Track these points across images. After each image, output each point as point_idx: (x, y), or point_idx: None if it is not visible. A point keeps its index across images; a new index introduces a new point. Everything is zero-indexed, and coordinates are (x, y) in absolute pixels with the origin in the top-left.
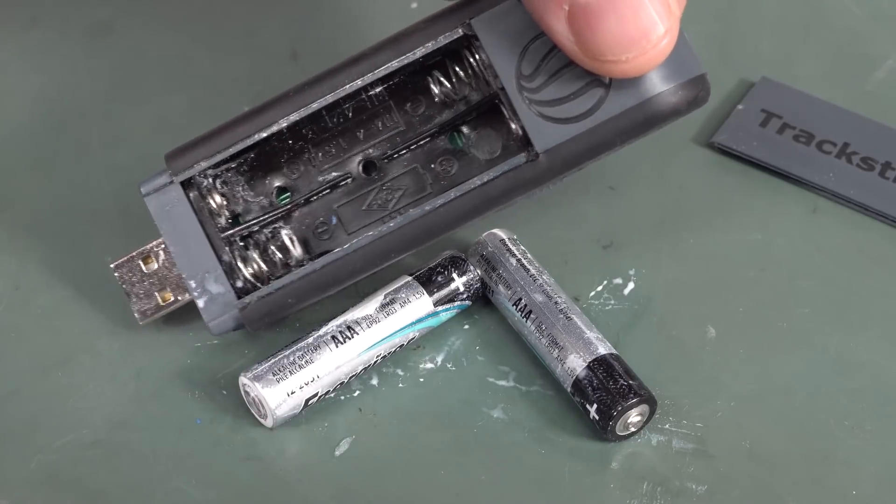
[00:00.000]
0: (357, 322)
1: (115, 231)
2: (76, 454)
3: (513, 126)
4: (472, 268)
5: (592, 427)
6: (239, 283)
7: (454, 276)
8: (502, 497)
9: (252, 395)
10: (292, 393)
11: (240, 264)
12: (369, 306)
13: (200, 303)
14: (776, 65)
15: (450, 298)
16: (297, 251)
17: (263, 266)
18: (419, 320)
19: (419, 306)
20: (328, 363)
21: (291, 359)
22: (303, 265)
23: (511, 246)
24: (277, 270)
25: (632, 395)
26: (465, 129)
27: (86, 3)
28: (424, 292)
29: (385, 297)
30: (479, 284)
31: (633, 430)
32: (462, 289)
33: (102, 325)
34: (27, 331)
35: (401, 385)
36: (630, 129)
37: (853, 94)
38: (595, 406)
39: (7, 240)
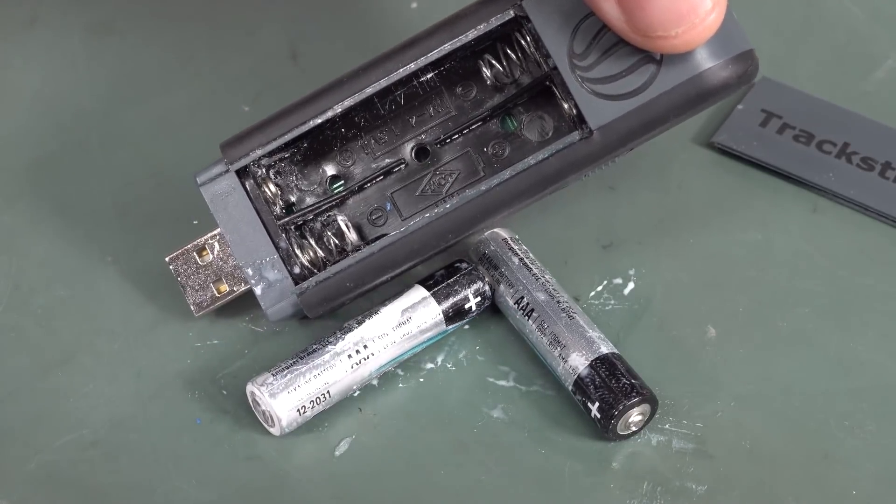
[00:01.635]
0: (373, 340)
1: (115, 231)
2: (76, 454)
3: (565, 106)
4: (485, 284)
5: (593, 427)
6: (296, 270)
7: (469, 294)
8: (502, 497)
9: (263, 407)
10: (304, 410)
11: (297, 251)
12: (385, 323)
13: (258, 290)
14: (776, 65)
15: (461, 316)
16: (352, 237)
17: (320, 252)
18: (431, 339)
19: (434, 326)
20: (342, 383)
21: (307, 377)
22: (358, 248)
23: (513, 245)
24: (333, 257)
25: (634, 394)
26: (516, 112)
27: (86, 3)
28: (440, 312)
29: (402, 316)
30: (489, 302)
31: (633, 429)
32: (475, 308)
33: (102, 325)
34: (27, 331)
35: (401, 385)
36: (682, 105)
37: (853, 94)
38: (597, 404)
39: (7, 240)
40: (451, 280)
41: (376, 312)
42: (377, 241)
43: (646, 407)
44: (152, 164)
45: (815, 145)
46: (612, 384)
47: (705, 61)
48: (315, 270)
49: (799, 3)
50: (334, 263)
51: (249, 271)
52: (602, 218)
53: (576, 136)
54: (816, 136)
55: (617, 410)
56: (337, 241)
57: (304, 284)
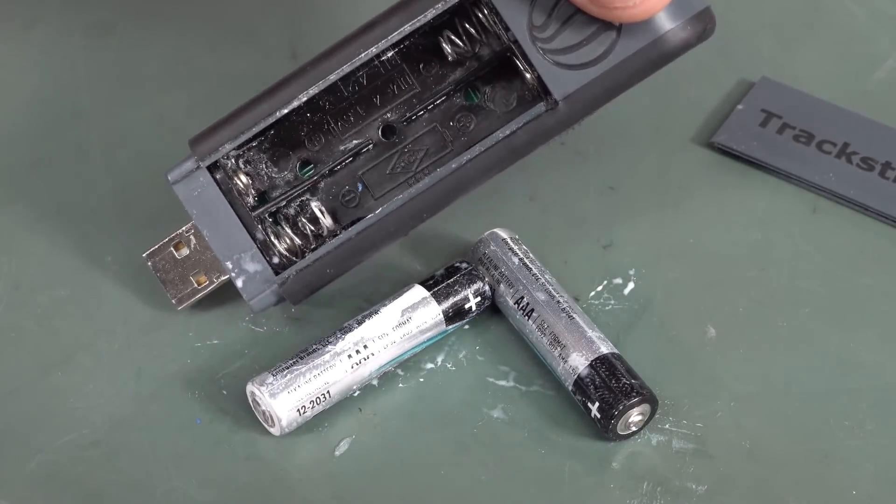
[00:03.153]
0: (373, 341)
1: (115, 231)
2: (76, 454)
3: (528, 77)
4: (485, 284)
5: (592, 427)
6: (275, 260)
7: (469, 294)
8: (502, 497)
9: (263, 407)
10: (304, 410)
11: (274, 240)
12: (385, 323)
13: (239, 282)
14: (776, 65)
15: (461, 316)
16: (327, 221)
17: (297, 239)
18: (431, 339)
19: (434, 326)
20: (342, 383)
21: (307, 377)
22: (336, 234)
23: (513, 245)
24: (310, 242)
25: (634, 394)
26: (479, 85)
27: (86, 3)
28: (440, 312)
29: (402, 315)
30: (489, 302)
31: (633, 429)
32: (475, 308)
33: (102, 325)
34: (27, 331)
35: (401, 385)
36: (644, 68)
37: (853, 94)
38: (597, 404)
39: (7, 240)
40: (451, 280)
41: (376, 312)
42: (354, 226)
43: (646, 407)
44: (152, 164)
45: (815, 145)
46: (612, 384)
47: (664, 24)
48: (293, 258)
49: (799, 3)
50: (312, 251)
51: (229, 265)
52: (602, 218)
53: (541, 107)
54: (816, 136)
55: (617, 410)
56: (312, 227)
57: (285, 274)
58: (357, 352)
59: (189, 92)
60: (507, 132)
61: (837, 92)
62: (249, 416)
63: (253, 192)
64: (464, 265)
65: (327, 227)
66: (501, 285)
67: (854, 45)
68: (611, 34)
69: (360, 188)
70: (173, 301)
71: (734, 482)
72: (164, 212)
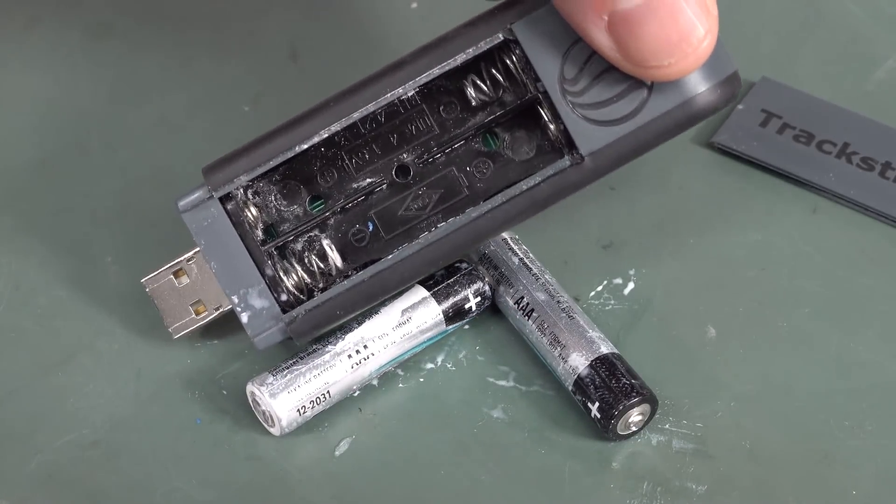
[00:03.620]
0: (373, 340)
1: (114, 231)
2: (76, 454)
3: (552, 128)
4: (485, 284)
5: (592, 427)
6: (283, 297)
7: (469, 294)
8: (502, 497)
9: (263, 407)
10: (304, 410)
11: (282, 276)
12: (385, 323)
13: (244, 317)
14: (776, 65)
15: (461, 316)
16: (336, 259)
17: (305, 276)
18: (431, 339)
19: (434, 326)
20: (342, 383)
21: (307, 377)
22: (347, 275)
23: (513, 245)
24: (317, 279)
25: (634, 394)
26: (498, 131)
27: (86, 3)
28: (440, 312)
29: (402, 316)
30: (489, 302)
31: (634, 429)
32: (475, 308)
33: (102, 325)
34: (27, 331)
35: (401, 385)
36: (671, 129)
37: (853, 94)
38: (597, 404)
39: (7, 240)
40: (451, 280)
41: (376, 312)
42: (367, 269)
43: (646, 407)
44: (152, 164)
45: (815, 145)
46: (612, 384)
47: (695, 86)
48: (301, 295)
49: (799, 3)
50: (321, 290)
51: (235, 298)
52: (602, 218)
53: (566, 161)
54: (816, 136)
55: (617, 410)
56: (320, 264)
57: (294, 313)
58: (357, 352)
59: (189, 92)
60: (531, 184)
61: (837, 92)
62: (249, 416)
63: (261, 224)
64: (464, 265)
65: (336, 266)
66: (501, 285)
67: (854, 45)
68: (641, 93)
69: (371, 227)
70: (170, 329)
71: (734, 482)
72: (164, 212)
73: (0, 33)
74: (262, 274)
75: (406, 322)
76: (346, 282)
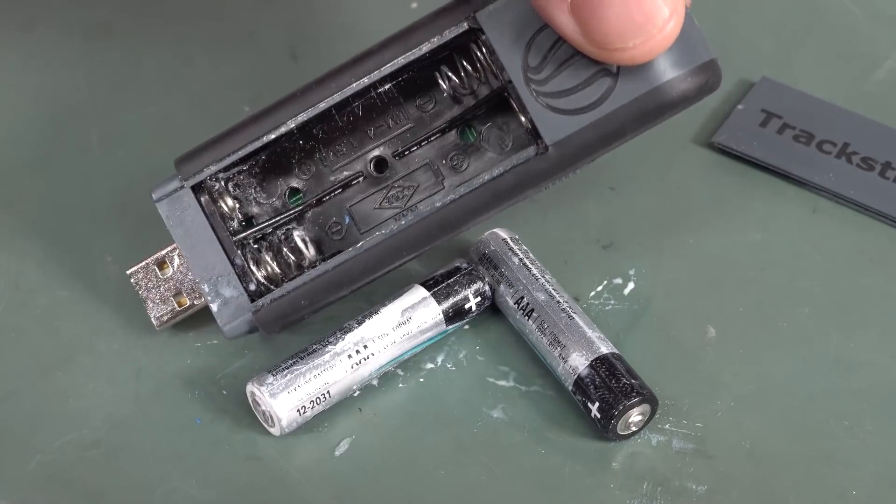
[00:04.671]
0: (373, 341)
1: (114, 231)
2: (76, 454)
3: (522, 119)
4: (485, 284)
5: (592, 427)
6: (252, 287)
7: (469, 294)
8: (502, 497)
9: (263, 407)
10: (304, 411)
11: (252, 267)
12: (385, 323)
13: (214, 307)
14: (776, 65)
15: (461, 316)
16: (310, 252)
17: (277, 269)
18: (431, 339)
19: (434, 326)
20: (342, 383)
21: (307, 377)
22: (315, 266)
23: (513, 245)
24: (291, 272)
25: (634, 394)
26: (476, 124)
27: (86, 4)
28: (440, 312)
29: (402, 316)
30: (489, 302)
31: (633, 429)
32: (475, 308)
33: (102, 325)
34: (27, 331)
35: (401, 385)
36: (640, 118)
37: (853, 94)
38: (597, 404)
39: (7, 240)
40: (452, 280)
41: (376, 312)
42: (331, 259)
43: (646, 407)
44: (152, 164)
45: (815, 145)
46: (612, 384)
47: (664, 73)
48: (271, 287)
49: (799, 3)
50: (289, 280)
51: (206, 287)
52: (602, 218)
53: (531, 151)
54: (816, 136)
55: (617, 410)
56: (293, 257)
57: (259, 302)
58: (357, 352)
59: (189, 92)
60: (495, 174)
61: (837, 92)
62: (249, 416)
63: (240, 216)
64: (464, 265)
65: (309, 259)
66: (501, 285)
67: (854, 45)
68: (607, 80)
69: (347, 220)
70: (153, 321)
71: (734, 482)
72: None
73: (0, 33)
74: (232, 263)
75: (406, 322)
76: (310, 272)
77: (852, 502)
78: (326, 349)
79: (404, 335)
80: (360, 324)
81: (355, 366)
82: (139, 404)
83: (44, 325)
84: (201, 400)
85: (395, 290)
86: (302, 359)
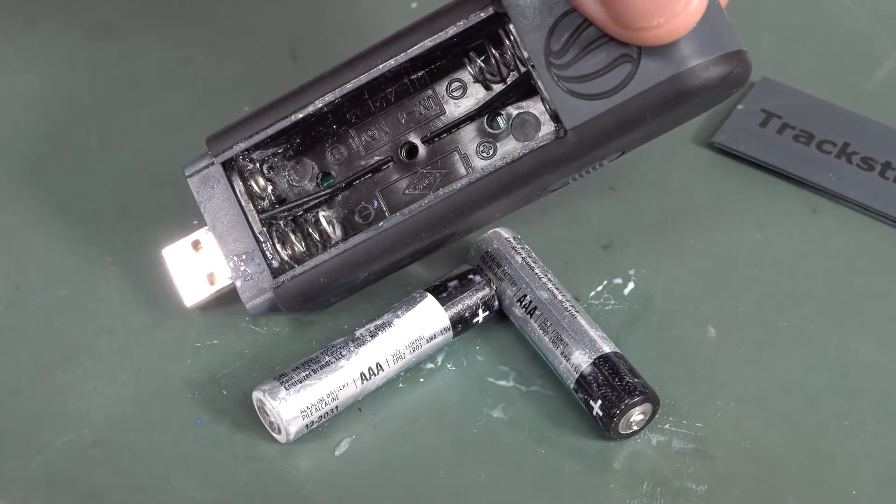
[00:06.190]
0: (386, 360)
1: (114, 231)
2: (76, 454)
3: (545, 106)
4: (494, 298)
5: (593, 427)
6: (275, 265)
7: (479, 309)
8: (502, 497)
9: (272, 417)
10: (312, 424)
11: (277, 246)
12: (398, 339)
13: (238, 283)
14: (776, 65)
15: (468, 327)
16: (336, 234)
17: (301, 247)
18: (436, 346)
19: (442, 338)
20: (351, 397)
21: (320, 395)
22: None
23: (515, 244)
24: (317, 253)
25: (637, 393)
26: (505, 112)
27: (86, 3)
28: (450, 325)
29: (415, 332)
30: (494, 311)
31: (635, 428)
32: (482, 320)
33: (102, 325)
34: (27, 331)
35: (401, 385)
36: (661, 105)
37: (853, 94)
38: (599, 402)
39: (7, 240)
40: (465, 294)
41: (389, 325)
42: (351, 238)
43: (648, 406)
44: (152, 164)
45: (815, 145)
46: (614, 382)
47: (686, 60)
48: (295, 266)
49: (799, 3)
50: (311, 258)
51: (231, 264)
52: (602, 218)
53: (550, 135)
54: (816, 136)
55: (619, 409)
56: (319, 238)
57: (280, 279)
58: (370, 369)
59: (189, 92)
60: (513, 157)
61: (837, 92)
62: (249, 417)
63: (272, 197)
64: (477, 278)
65: (335, 239)
66: (504, 283)
67: (854, 45)
68: (628, 66)
69: (376, 204)
70: (184, 298)
71: (734, 482)
72: (164, 212)
73: (0, 33)
74: (258, 241)
75: (419, 338)
76: (331, 250)
77: (852, 502)
78: (339, 364)
79: (414, 349)
80: (373, 336)
81: (365, 380)
82: (139, 404)
83: (44, 325)
84: (201, 400)
85: (396, 290)
86: (315, 371)
